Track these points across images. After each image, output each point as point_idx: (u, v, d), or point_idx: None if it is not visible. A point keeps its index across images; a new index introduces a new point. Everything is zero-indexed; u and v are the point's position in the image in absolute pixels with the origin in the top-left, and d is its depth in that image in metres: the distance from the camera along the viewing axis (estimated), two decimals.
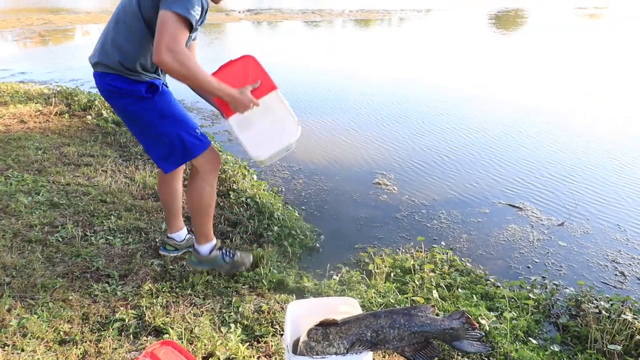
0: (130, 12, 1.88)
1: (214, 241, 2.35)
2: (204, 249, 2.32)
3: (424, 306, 1.55)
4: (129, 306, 2.08)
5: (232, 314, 2.09)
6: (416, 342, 1.45)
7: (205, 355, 1.81)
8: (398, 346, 1.45)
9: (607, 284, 2.68)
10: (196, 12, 1.73)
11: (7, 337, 1.81)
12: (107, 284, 2.25)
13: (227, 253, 2.36)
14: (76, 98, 5.64)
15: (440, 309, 2.21)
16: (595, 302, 2.33)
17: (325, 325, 1.50)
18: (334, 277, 2.51)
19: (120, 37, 1.92)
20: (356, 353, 1.44)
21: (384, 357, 1.89)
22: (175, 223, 2.52)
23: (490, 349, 1.92)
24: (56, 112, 5.19)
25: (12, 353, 1.72)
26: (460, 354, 1.92)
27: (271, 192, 3.61)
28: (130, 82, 1.96)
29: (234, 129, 2.06)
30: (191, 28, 1.75)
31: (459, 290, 2.44)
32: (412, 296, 2.31)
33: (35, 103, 5.54)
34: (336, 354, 1.44)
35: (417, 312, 1.50)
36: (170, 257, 2.53)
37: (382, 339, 1.44)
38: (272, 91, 2.04)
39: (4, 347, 1.75)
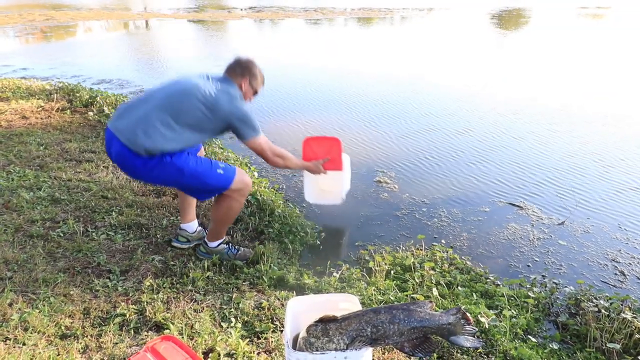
0: (190, 124, 2.16)
1: (224, 238, 2.57)
2: (214, 243, 2.54)
3: (422, 302, 1.57)
4: (129, 301, 2.09)
5: (232, 310, 2.10)
6: (415, 337, 1.47)
7: (205, 351, 1.82)
8: (398, 341, 1.45)
9: (607, 283, 2.69)
10: (256, 123, 2.30)
11: (8, 331, 1.82)
12: (108, 279, 2.26)
13: (232, 248, 2.58)
14: (78, 94, 5.65)
15: (440, 307, 2.22)
16: (594, 300, 2.33)
17: (324, 321, 1.51)
18: (334, 274, 2.52)
19: (162, 137, 2.11)
20: (356, 349, 1.44)
21: (383, 353, 1.90)
22: (189, 213, 2.65)
23: (483, 343, 1.93)
24: (58, 108, 5.20)
25: (14, 347, 1.73)
26: (459, 352, 1.93)
27: (272, 190, 3.62)
28: (152, 157, 2.14)
29: (305, 177, 3.14)
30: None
31: (459, 288, 2.45)
32: (412, 294, 2.32)
33: (37, 99, 5.55)
34: (336, 349, 1.45)
35: (416, 308, 1.52)
36: (182, 248, 2.63)
37: (382, 334, 1.44)
38: (338, 170, 2.94)
39: (5, 341, 1.76)
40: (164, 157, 2.15)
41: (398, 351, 1.91)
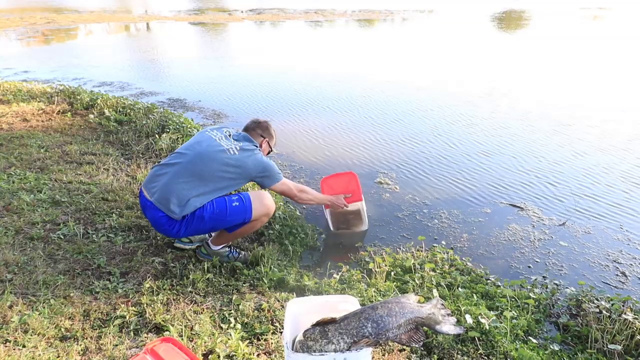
0: (220, 186, 2.33)
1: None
2: (217, 247, 2.57)
3: (408, 294, 1.64)
4: (129, 303, 2.09)
5: (232, 311, 2.10)
6: (410, 328, 1.50)
7: (205, 352, 1.82)
8: (397, 334, 1.47)
9: (608, 284, 2.68)
10: (278, 169, 2.50)
11: (8, 333, 1.82)
12: (108, 281, 2.25)
13: (234, 251, 2.61)
14: (79, 97, 5.66)
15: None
16: (596, 301, 2.32)
17: (322, 324, 1.50)
18: (335, 275, 2.51)
19: (193, 199, 2.28)
20: (359, 349, 1.44)
21: (383, 355, 1.89)
22: None
23: (466, 329, 1.96)
24: (59, 111, 5.21)
25: (14, 349, 1.73)
26: (460, 353, 1.92)
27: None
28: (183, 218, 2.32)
29: (327, 214, 3.22)
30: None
31: (460, 289, 2.44)
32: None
33: (38, 102, 5.56)
34: (335, 351, 1.44)
35: (406, 300, 1.58)
36: (185, 248, 2.64)
37: (383, 327, 1.46)
38: (358, 202, 3.08)
39: (5, 343, 1.76)
40: (189, 216, 2.30)
41: (395, 352, 1.91)
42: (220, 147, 2.34)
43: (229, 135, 2.45)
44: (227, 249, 2.58)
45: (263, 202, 2.43)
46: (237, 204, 2.36)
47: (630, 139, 5.08)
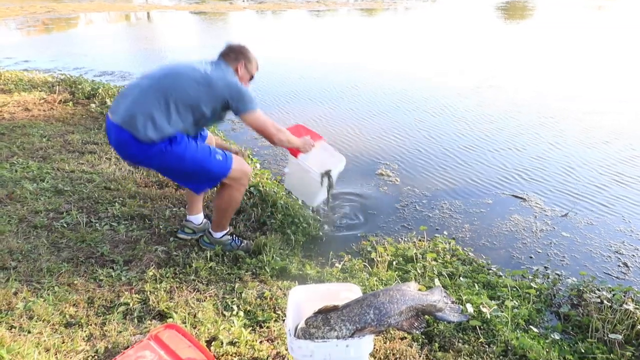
0: (187, 104, 2.13)
1: (228, 229, 2.59)
2: (218, 234, 2.55)
3: (409, 282, 1.65)
4: (133, 291, 2.10)
5: (235, 299, 2.11)
6: (411, 315, 1.52)
7: (208, 339, 1.83)
8: (398, 321, 1.48)
9: (610, 275, 2.69)
10: (253, 96, 2.29)
11: (13, 320, 1.83)
12: (111, 269, 2.27)
13: (236, 240, 2.60)
14: (80, 86, 5.65)
15: None
16: (597, 292, 2.33)
17: (324, 312, 1.51)
18: (337, 265, 2.52)
19: (161, 119, 2.09)
20: (361, 337, 1.45)
21: (385, 343, 1.91)
22: (196, 206, 2.67)
23: (469, 317, 1.95)
24: (60, 100, 5.20)
25: (19, 335, 1.75)
26: (461, 341, 1.93)
27: (274, 181, 3.62)
28: (153, 144, 2.11)
29: (301, 161, 2.81)
30: None
31: (461, 278, 2.45)
32: None
33: (40, 91, 5.55)
34: (337, 337, 1.45)
35: (406, 288, 1.58)
36: (187, 239, 2.63)
37: (385, 314, 1.47)
38: (320, 140, 2.92)
39: (11, 329, 1.78)
40: (164, 146, 2.13)
41: (396, 340, 1.92)
42: (191, 66, 2.18)
43: (202, 62, 2.27)
44: (229, 237, 2.58)
45: (243, 164, 2.37)
46: (220, 157, 2.28)
47: (636, 129, 5.05)
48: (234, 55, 2.34)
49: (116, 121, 2.11)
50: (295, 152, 2.75)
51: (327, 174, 2.83)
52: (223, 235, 2.56)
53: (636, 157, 4.33)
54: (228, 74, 2.24)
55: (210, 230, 2.57)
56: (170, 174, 2.38)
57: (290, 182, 3.17)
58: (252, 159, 3.94)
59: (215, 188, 2.48)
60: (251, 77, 2.44)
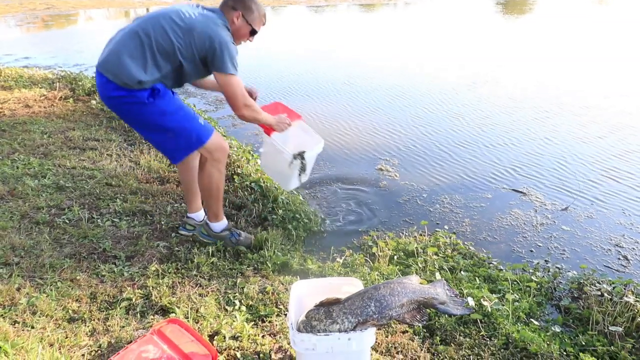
0: (164, 50, 1.98)
1: (225, 221, 2.51)
2: (216, 226, 2.49)
3: (410, 276, 1.66)
4: (135, 286, 2.11)
5: (237, 294, 2.12)
6: (412, 308, 1.53)
7: (211, 334, 1.85)
8: (400, 313, 1.49)
9: (610, 268, 2.69)
10: (238, 61, 2.06)
11: (17, 315, 1.84)
12: (114, 265, 2.28)
13: (234, 234, 2.54)
14: (80, 83, 5.64)
15: None
16: (597, 285, 2.34)
17: (326, 305, 1.52)
18: (338, 259, 2.53)
19: (137, 65, 1.97)
20: (363, 330, 1.46)
21: (386, 336, 1.92)
22: (195, 203, 2.60)
23: (473, 310, 1.95)
24: (61, 97, 5.20)
25: (23, 330, 1.76)
26: (462, 335, 1.94)
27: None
28: (134, 91, 2.01)
29: (274, 140, 2.53)
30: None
31: (462, 272, 2.46)
32: None
33: (40, 88, 5.55)
34: (339, 331, 1.46)
35: (408, 281, 1.59)
36: (189, 235, 2.60)
37: (386, 306, 1.47)
38: (298, 119, 2.66)
39: (14, 324, 1.79)
40: (146, 98, 2.01)
41: (398, 333, 1.93)
42: (178, 10, 2.00)
43: (197, 6, 2.07)
44: (228, 232, 2.53)
45: (221, 139, 2.26)
46: (202, 123, 2.16)
47: (636, 124, 5.04)
48: (232, 3, 2.10)
49: (98, 67, 2.03)
50: (268, 130, 2.53)
51: (301, 155, 2.54)
52: (222, 230, 2.52)
53: (635, 151, 4.32)
54: (216, 24, 2.01)
55: (207, 221, 2.51)
56: (147, 130, 2.17)
57: (265, 163, 2.92)
58: (252, 155, 3.94)
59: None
60: (253, 32, 2.17)
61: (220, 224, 2.52)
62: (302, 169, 2.61)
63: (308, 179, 2.78)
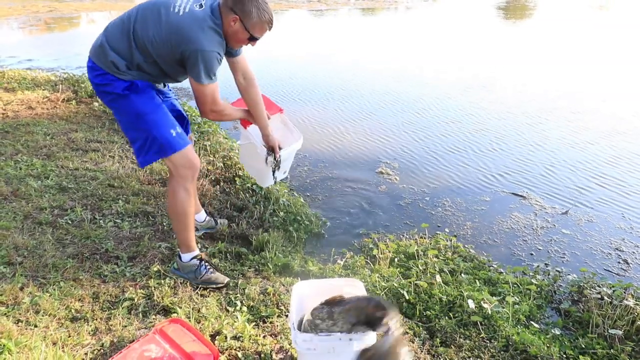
0: (140, 40, 1.89)
1: (195, 252, 2.22)
2: (184, 257, 2.21)
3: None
4: (137, 286, 2.13)
5: (238, 295, 2.13)
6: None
7: (212, 334, 1.86)
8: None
9: (610, 271, 2.70)
10: (216, 70, 1.92)
11: (20, 314, 1.86)
12: (116, 265, 2.29)
13: (206, 268, 2.21)
14: (83, 85, 5.66)
15: (443, 294, 2.23)
16: (597, 288, 2.35)
17: (330, 304, 1.53)
18: (339, 261, 2.54)
19: (119, 55, 1.91)
20: (361, 332, 1.47)
21: None
22: (196, 205, 2.54)
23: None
24: (63, 99, 5.22)
25: (26, 328, 1.77)
26: (462, 337, 1.95)
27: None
28: (114, 80, 1.93)
29: (250, 133, 2.51)
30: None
31: (462, 275, 2.47)
32: (416, 280, 2.34)
33: (43, 90, 5.57)
34: (340, 331, 1.48)
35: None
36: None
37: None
38: (279, 112, 2.67)
39: (17, 323, 1.80)
40: (123, 89, 1.93)
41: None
42: (171, 3, 1.86)
43: (192, 2, 1.88)
44: (196, 261, 2.19)
45: (193, 156, 2.08)
46: (175, 134, 2.00)
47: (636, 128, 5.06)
48: (231, 3, 1.86)
49: (89, 52, 2.00)
50: (245, 122, 2.41)
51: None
52: (191, 259, 2.19)
53: (636, 154, 4.34)
54: (201, 27, 1.82)
55: (178, 253, 2.24)
56: (122, 124, 2.08)
57: (243, 157, 2.79)
58: None
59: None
60: (251, 38, 1.95)
61: (188, 255, 2.20)
62: (277, 165, 2.48)
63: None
